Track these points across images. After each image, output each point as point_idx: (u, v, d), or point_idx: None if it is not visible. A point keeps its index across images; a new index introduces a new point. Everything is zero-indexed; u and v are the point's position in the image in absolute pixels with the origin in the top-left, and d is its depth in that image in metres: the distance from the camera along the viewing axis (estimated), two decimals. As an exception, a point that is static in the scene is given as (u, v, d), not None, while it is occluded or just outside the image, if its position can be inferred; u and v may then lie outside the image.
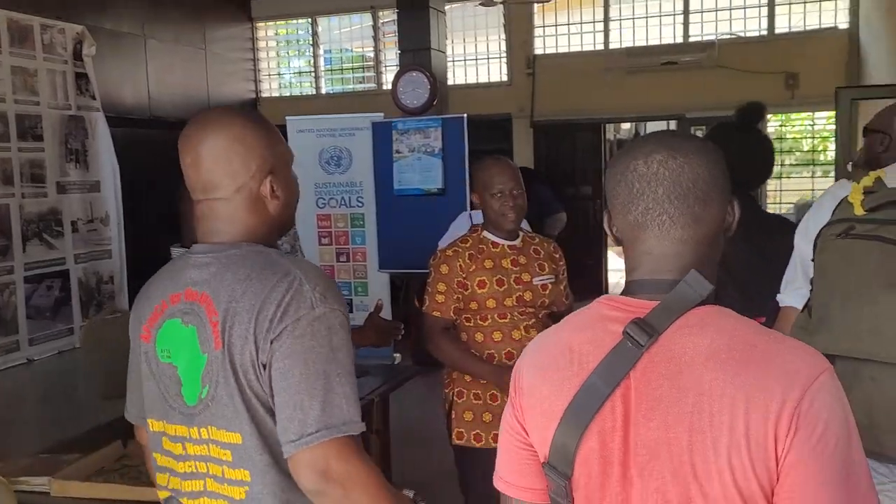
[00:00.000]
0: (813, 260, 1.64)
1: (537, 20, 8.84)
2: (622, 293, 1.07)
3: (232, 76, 9.02)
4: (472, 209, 4.61)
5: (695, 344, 0.97)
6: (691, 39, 8.31)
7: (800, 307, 1.75)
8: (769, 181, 5.34)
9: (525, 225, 2.78)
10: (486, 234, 2.56)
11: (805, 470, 0.91)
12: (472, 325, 2.52)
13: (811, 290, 1.65)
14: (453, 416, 2.57)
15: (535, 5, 8.69)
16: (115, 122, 5.64)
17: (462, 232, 3.65)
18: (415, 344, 4.84)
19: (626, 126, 16.28)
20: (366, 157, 5.67)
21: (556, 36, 8.84)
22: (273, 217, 1.37)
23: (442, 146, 5.41)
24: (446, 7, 6.59)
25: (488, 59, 9.06)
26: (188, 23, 8.11)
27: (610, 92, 8.29)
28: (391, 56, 9.14)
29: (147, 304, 1.37)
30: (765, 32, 8.14)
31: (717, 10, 8.28)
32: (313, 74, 9.67)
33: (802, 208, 7.70)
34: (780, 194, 8.50)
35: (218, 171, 1.31)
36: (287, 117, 5.87)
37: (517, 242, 2.57)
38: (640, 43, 8.48)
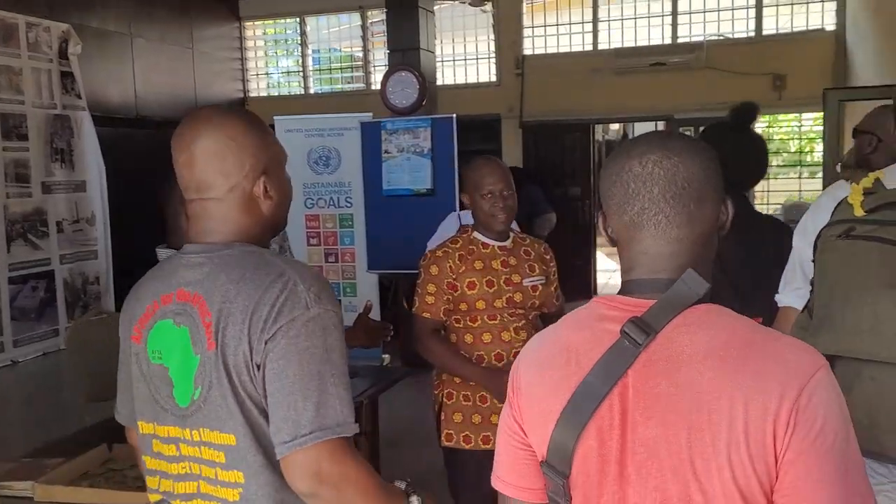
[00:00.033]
0: (813, 260, 1.64)
1: (526, 20, 8.84)
2: (619, 293, 1.07)
3: (219, 76, 8.96)
4: (461, 210, 4.60)
5: (692, 342, 0.97)
6: (680, 40, 8.33)
7: (799, 307, 1.76)
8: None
9: (514, 225, 2.77)
10: (476, 234, 2.55)
11: (804, 466, 0.91)
12: (461, 326, 2.51)
13: (811, 291, 1.65)
14: (443, 417, 2.56)
15: (525, 5, 8.69)
16: (102, 122, 5.59)
17: (451, 233, 3.64)
18: (404, 345, 4.83)
19: (615, 127, 16.35)
20: (354, 157, 5.65)
21: (545, 36, 8.84)
22: (266, 217, 1.36)
23: (431, 146, 5.40)
24: (435, 7, 6.58)
25: (477, 59, 9.05)
26: (175, 22, 8.05)
27: (599, 92, 8.31)
28: (380, 56, 9.12)
29: (138, 305, 1.36)
30: (752, 34, 8.17)
31: (705, 12, 8.32)
32: (301, 74, 9.63)
33: (790, 209, 7.74)
34: (767, 195, 8.54)
35: (211, 170, 1.30)
36: (275, 117, 5.84)
37: (507, 243, 2.56)
38: (629, 44, 8.50)
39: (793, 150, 9.32)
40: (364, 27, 9.20)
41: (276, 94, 9.72)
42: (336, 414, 1.21)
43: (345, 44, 9.83)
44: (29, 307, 4.73)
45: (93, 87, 6.06)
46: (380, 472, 3.10)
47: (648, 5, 8.49)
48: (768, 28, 8.14)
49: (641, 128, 18.00)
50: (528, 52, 8.81)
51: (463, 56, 9.09)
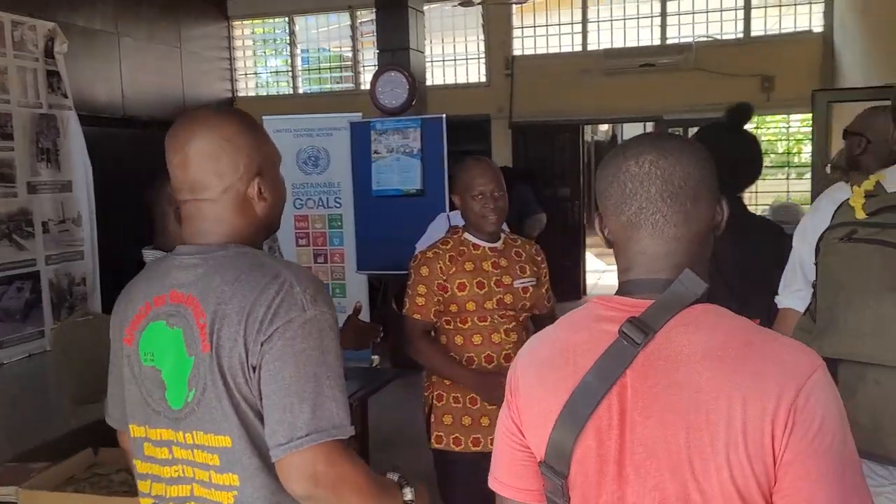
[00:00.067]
0: (816, 263, 1.64)
1: (516, 21, 8.84)
2: (616, 293, 1.08)
3: (207, 75, 8.91)
4: (451, 210, 4.59)
5: (691, 342, 0.98)
6: (669, 42, 8.36)
7: (799, 309, 1.76)
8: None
9: (503, 226, 2.76)
10: (467, 235, 2.53)
11: (802, 467, 0.91)
12: (451, 327, 2.50)
13: (813, 294, 1.65)
14: (432, 419, 2.54)
15: (514, 6, 8.69)
16: (88, 121, 5.54)
17: (440, 233, 3.63)
18: (393, 346, 4.81)
19: (604, 127, 16.39)
20: (344, 157, 5.62)
21: (534, 37, 8.85)
22: (260, 218, 1.35)
23: (421, 147, 5.39)
24: (424, 7, 6.56)
25: (467, 59, 9.05)
26: (163, 21, 8.00)
27: (588, 93, 8.32)
28: (369, 56, 9.10)
29: (129, 307, 1.34)
30: (741, 35, 8.21)
31: (693, 13, 8.34)
32: (290, 74, 9.60)
33: (778, 210, 7.77)
34: (755, 196, 8.57)
35: (206, 171, 1.29)
36: (264, 117, 5.80)
37: (498, 245, 2.54)
38: (618, 45, 8.52)
39: (781, 151, 9.36)
40: (353, 27, 9.18)
41: (265, 93, 9.68)
42: (332, 416, 1.20)
43: (334, 43, 9.81)
44: (14, 308, 4.68)
45: (79, 87, 6.01)
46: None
47: (637, 6, 8.51)
48: (757, 29, 8.18)
49: (630, 128, 18.07)
50: (517, 52, 8.82)
51: (452, 56, 9.08)
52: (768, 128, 9.27)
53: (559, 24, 8.75)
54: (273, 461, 1.21)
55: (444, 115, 5.45)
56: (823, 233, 1.62)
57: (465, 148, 6.90)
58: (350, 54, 9.39)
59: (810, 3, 8.00)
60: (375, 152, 5.51)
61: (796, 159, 9.68)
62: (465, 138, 7.29)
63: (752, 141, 2.25)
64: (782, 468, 0.92)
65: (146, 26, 7.73)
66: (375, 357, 5.25)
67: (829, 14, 7.83)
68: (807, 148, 9.47)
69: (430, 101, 6.54)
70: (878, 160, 2.51)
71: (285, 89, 9.64)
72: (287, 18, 9.43)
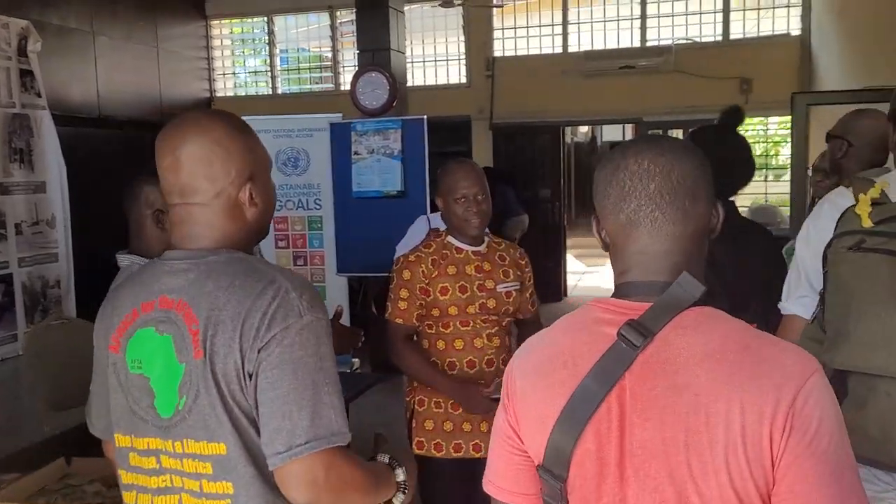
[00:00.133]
0: (826, 271, 1.63)
1: (496, 22, 8.84)
2: (613, 295, 1.08)
3: (185, 75, 8.82)
4: (432, 212, 4.56)
5: (689, 344, 0.98)
6: (648, 44, 8.39)
7: (805, 316, 1.75)
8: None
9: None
10: (450, 239, 2.50)
11: (801, 469, 0.92)
12: (433, 332, 2.47)
13: (821, 302, 1.65)
14: (414, 424, 2.52)
15: (494, 7, 8.69)
16: (62, 121, 5.45)
17: (420, 235, 3.61)
18: (373, 349, 4.78)
19: (584, 129, 16.44)
20: (324, 158, 5.57)
21: (514, 38, 8.85)
22: (250, 223, 1.33)
23: (402, 148, 5.35)
24: (405, 8, 6.53)
25: (447, 60, 9.03)
26: (139, 19, 7.89)
27: (568, 95, 8.33)
28: (349, 56, 9.05)
29: (116, 313, 1.31)
30: (720, 38, 8.27)
31: (673, 16, 8.39)
32: (269, 74, 9.52)
33: (757, 211, 7.84)
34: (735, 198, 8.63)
35: (197, 175, 1.27)
36: (242, 118, 5.73)
37: (482, 248, 2.51)
38: (598, 46, 8.54)
39: (759, 153, 9.44)
40: (333, 27, 9.12)
41: (244, 94, 9.61)
42: (330, 423, 1.19)
43: (313, 44, 9.75)
44: (-14, 312, 4.59)
45: (53, 86, 5.92)
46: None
47: (617, 8, 8.54)
48: (735, 32, 8.24)
49: (610, 130, 18.12)
50: (498, 53, 8.81)
51: (433, 57, 9.06)
52: (746, 130, 9.34)
53: (539, 26, 8.76)
54: (271, 469, 1.20)
55: (425, 117, 5.41)
56: (831, 241, 1.62)
57: (445, 149, 6.87)
58: (330, 54, 9.33)
59: (788, 6, 8.08)
60: (356, 153, 5.46)
61: (774, 161, 9.77)
62: (445, 139, 7.27)
63: (744, 143, 2.25)
64: (780, 471, 0.92)
65: (122, 25, 7.63)
66: (356, 360, 5.21)
67: (806, 17, 7.90)
68: (784, 150, 9.57)
69: (410, 102, 6.51)
70: (860, 163, 2.52)
71: (264, 89, 9.56)
72: (266, 18, 9.36)
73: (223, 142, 1.29)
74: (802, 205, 4.94)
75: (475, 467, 2.45)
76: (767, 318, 1.82)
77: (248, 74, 9.78)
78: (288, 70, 9.69)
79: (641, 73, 8.05)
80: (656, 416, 0.97)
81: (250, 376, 1.19)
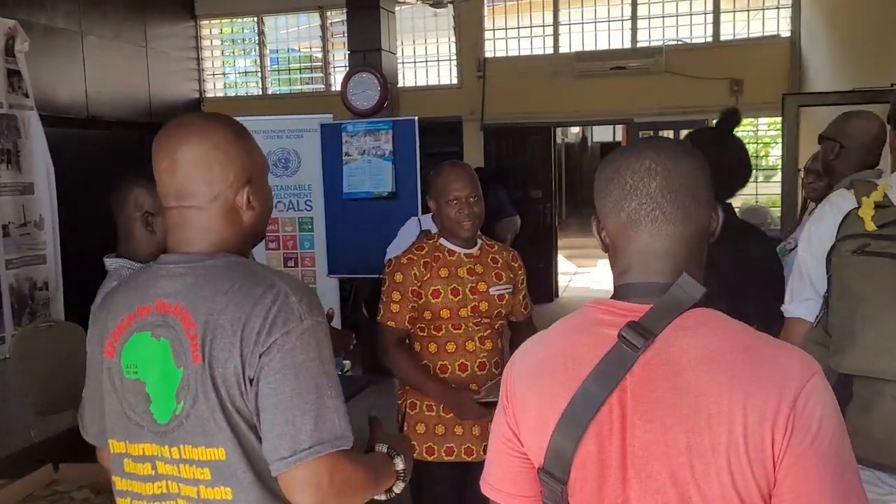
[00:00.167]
0: (830, 275, 1.63)
1: (487, 23, 8.83)
2: (613, 297, 1.08)
3: (175, 75, 8.77)
4: (423, 213, 4.54)
5: (690, 346, 0.98)
6: (639, 45, 8.41)
7: (809, 319, 1.75)
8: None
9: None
10: (442, 241, 2.48)
11: (802, 470, 0.92)
12: (425, 335, 2.45)
13: (825, 305, 1.65)
14: (405, 427, 2.50)
15: (486, 8, 8.68)
16: (50, 122, 5.41)
17: (411, 237, 3.59)
18: (365, 352, 4.75)
19: (574, 130, 16.48)
20: (314, 159, 5.54)
21: (506, 39, 8.85)
22: (247, 227, 1.32)
23: (393, 149, 5.33)
24: (396, 8, 6.51)
25: (438, 61, 9.02)
26: (128, 19, 7.84)
27: (559, 95, 8.34)
28: (339, 57, 9.03)
29: (110, 318, 1.30)
30: (710, 39, 8.29)
31: (664, 17, 8.41)
32: (259, 74, 9.48)
33: (747, 212, 7.85)
34: (724, 198, 8.67)
35: (196, 178, 1.26)
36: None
37: (475, 251, 2.49)
38: (590, 47, 8.55)
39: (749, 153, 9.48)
40: (323, 27, 9.10)
41: (234, 94, 9.56)
42: (334, 427, 1.19)
43: (304, 44, 9.72)
44: (-28, 315, 4.54)
45: (41, 86, 5.87)
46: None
47: (608, 10, 8.56)
48: (725, 34, 8.26)
49: (601, 131, 18.15)
50: (489, 54, 8.81)
51: (424, 58, 9.04)
52: (737, 131, 9.37)
53: (531, 27, 8.76)
54: (275, 475, 1.19)
55: (416, 118, 5.40)
56: (834, 244, 1.62)
57: (436, 150, 6.86)
58: (320, 55, 9.30)
59: (778, 8, 8.11)
60: (346, 154, 5.44)
61: (764, 162, 9.81)
62: (436, 140, 7.26)
63: (742, 146, 2.25)
64: (782, 471, 0.93)
65: (111, 25, 7.58)
66: (347, 362, 5.19)
67: (796, 19, 7.94)
68: (774, 151, 9.61)
69: (401, 102, 6.49)
70: (852, 165, 2.53)
71: (254, 90, 9.53)
72: (256, 18, 9.32)
73: (221, 145, 1.28)
74: (793, 205, 4.96)
75: (467, 471, 2.44)
76: (767, 319, 1.81)
77: (237, 75, 9.74)
78: (278, 70, 9.65)
79: (632, 73, 8.07)
80: (658, 417, 0.97)
81: (251, 381, 1.18)
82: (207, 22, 9.32)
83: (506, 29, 8.84)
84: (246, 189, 1.30)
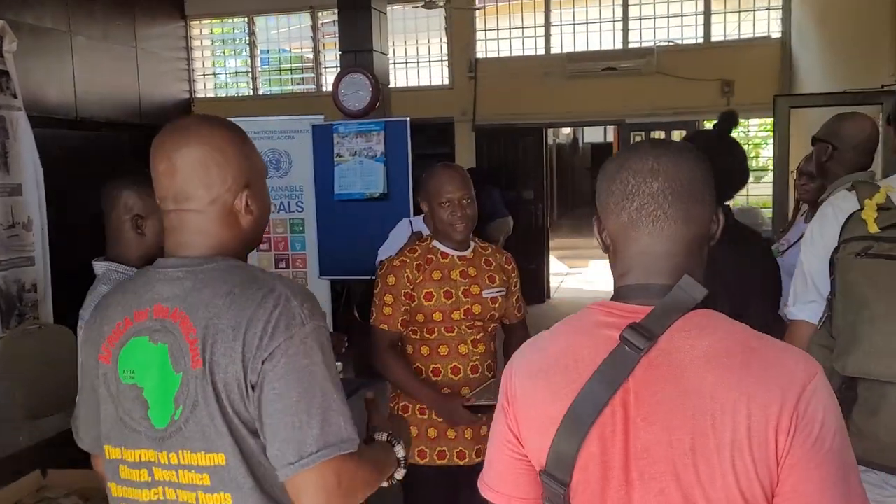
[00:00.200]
0: (834, 277, 1.63)
1: (479, 24, 8.83)
2: (613, 298, 1.08)
3: (165, 76, 8.72)
4: (415, 214, 4.52)
5: (693, 347, 0.98)
6: (631, 46, 8.42)
7: (813, 321, 1.75)
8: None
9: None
10: (435, 243, 2.47)
11: (805, 470, 0.93)
12: (418, 337, 2.43)
13: (829, 307, 1.65)
14: (399, 430, 2.47)
15: (477, 9, 8.68)
16: (39, 123, 5.36)
17: (402, 239, 3.57)
18: (357, 354, 4.73)
19: (566, 130, 16.49)
20: (305, 160, 5.52)
21: (497, 40, 8.84)
22: (245, 231, 1.32)
23: (384, 150, 5.31)
24: (387, 9, 6.49)
25: (430, 62, 9.00)
26: (118, 19, 7.79)
27: (551, 96, 8.34)
28: (331, 57, 9.00)
29: (106, 323, 1.28)
30: (701, 40, 8.31)
31: (655, 18, 8.42)
32: (250, 75, 9.44)
33: (739, 213, 7.86)
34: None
35: (194, 181, 1.25)
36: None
37: (468, 253, 2.48)
38: (581, 48, 8.55)
39: (740, 154, 9.49)
40: (314, 28, 9.07)
41: (224, 94, 9.51)
42: (340, 430, 1.19)
43: (294, 44, 9.69)
44: (-40, 317, 4.49)
45: (29, 87, 5.83)
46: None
47: (600, 11, 8.56)
48: (717, 35, 8.28)
49: (592, 131, 18.15)
50: (480, 55, 8.80)
51: (415, 59, 9.03)
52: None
53: (522, 28, 8.76)
54: (282, 480, 1.18)
55: (408, 118, 5.38)
56: (838, 246, 1.62)
57: (428, 151, 6.85)
58: (311, 55, 9.27)
59: (768, 9, 8.13)
60: (338, 155, 5.42)
61: (754, 163, 9.82)
62: (428, 141, 7.26)
63: (741, 148, 2.26)
64: (785, 471, 0.93)
65: (100, 25, 7.52)
66: (339, 364, 5.16)
67: (786, 20, 7.96)
68: (764, 152, 9.63)
69: (393, 103, 6.47)
70: (845, 167, 2.53)
71: (245, 90, 9.48)
72: (246, 18, 9.28)
73: (221, 148, 1.27)
74: (784, 206, 4.97)
75: (459, 475, 2.43)
76: (766, 323, 1.80)
77: (228, 75, 9.69)
78: (269, 71, 9.62)
79: (624, 74, 8.08)
80: (661, 419, 0.97)
81: (252, 387, 1.17)
82: (198, 22, 9.28)
83: (497, 30, 8.84)
84: (245, 193, 1.29)
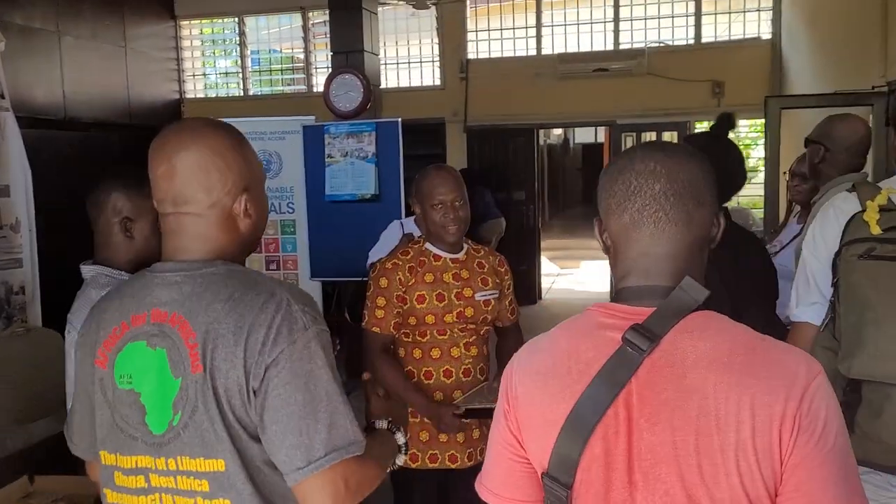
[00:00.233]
0: (837, 279, 1.63)
1: (470, 24, 8.82)
2: (613, 300, 1.08)
3: (154, 76, 8.67)
4: (407, 216, 4.50)
5: (696, 348, 0.99)
6: (622, 47, 8.42)
7: (816, 323, 1.74)
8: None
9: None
10: (428, 246, 2.45)
11: (808, 469, 0.94)
12: (410, 340, 2.42)
13: (832, 309, 1.65)
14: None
15: (468, 9, 8.67)
16: (27, 123, 5.32)
17: (394, 241, 3.55)
18: (349, 356, 4.71)
19: (557, 131, 16.51)
20: (296, 161, 5.50)
21: (488, 41, 8.84)
22: (244, 235, 1.31)
23: (376, 151, 5.29)
24: (378, 9, 6.48)
25: (421, 62, 8.99)
26: (106, 19, 7.74)
27: (542, 97, 8.34)
28: (321, 58, 8.98)
29: (102, 327, 1.27)
30: (692, 41, 8.32)
31: (646, 19, 8.43)
32: (241, 75, 9.40)
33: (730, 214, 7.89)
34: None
35: (194, 184, 1.25)
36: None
37: (461, 255, 2.46)
38: (572, 49, 8.56)
39: (730, 155, 9.51)
40: (305, 28, 9.03)
41: (214, 95, 9.46)
42: (347, 433, 1.19)
43: (285, 45, 9.65)
44: (-53, 320, 4.45)
45: (17, 87, 5.78)
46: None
47: (591, 12, 8.57)
48: (707, 36, 8.30)
49: (583, 132, 18.18)
50: (472, 55, 8.79)
51: (407, 59, 9.01)
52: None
53: (513, 28, 8.76)
54: (291, 485, 1.19)
55: (399, 119, 5.37)
56: (840, 248, 1.62)
57: (419, 152, 6.83)
58: (302, 56, 9.24)
59: (759, 10, 8.16)
60: (329, 156, 5.40)
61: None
62: (419, 142, 7.23)
63: (738, 149, 2.26)
64: (788, 470, 0.94)
65: (89, 24, 7.47)
66: (330, 366, 5.14)
67: (776, 22, 7.99)
68: (754, 153, 9.66)
69: (384, 104, 6.46)
70: (837, 168, 2.53)
71: (235, 91, 9.44)
72: (237, 19, 9.24)
73: (221, 152, 1.26)
74: (775, 207, 4.98)
75: (450, 478, 2.42)
76: (765, 322, 1.80)
77: (218, 76, 9.65)
78: (259, 71, 9.58)
79: (615, 75, 8.08)
80: (665, 419, 0.98)
81: (255, 392, 1.17)
82: (187, 22, 9.23)
83: (488, 30, 8.83)
84: (244, 197, 1.28)
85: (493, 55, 8.80)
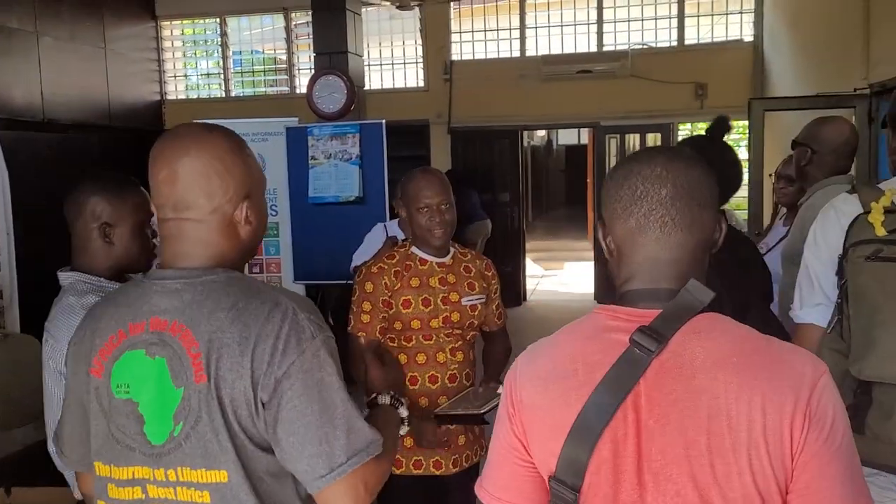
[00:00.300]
0: (844, 281, 1.62)
1: (454, 26, 8.80)
2: (617, 303, 1.08)
3: (134, 77, 8.57)
4: (391, 219, 4.47)
5: (704, 349, 1.00)
6: (605, 49, 8.44)
7: (821, 324, 1.73)
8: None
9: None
10: (414, 250, 2.41)
11: (817, 467, 0.95)
12: (395, 345, 2.38)
13: (839, 311, 1.64)
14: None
15: (452, 11, 8.65)
16: (4, 125, 5.26)
17: (377, 244, 3.52)
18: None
19: (540, 133, 16.53)
20: (279, 163, 5.46)
21: (472, 42, 8.83)
22: (244, 242, 1.30)
23: (360, 153, 5.26)
24: (362, 10, 6.44)
25: (405, 63, 8.96)
26: (86, 19, 7.64)
27: (526, 98, 8.34)
28: (304, 59, 8.92)
29: (97, 335, 1.25)
30: (675, 43, 8.36)
31: (629, 21, 8.45)
32: (222, 76, 9.32)
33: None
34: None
35: (195, 189, 1.24)
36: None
37: (447, 259, 2.43)
38: (556, 51, 8.57)
39: (713, 157, 9.55)
40: (288, 29, 8.98)
41: (196, 96, 9.38)
42: (365, 434, 1.20)
43: (268, 46, 9.58)
44: (-78, 326, 4.37)
45: (-6, 88, 5.70)
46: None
47: (574, 13, 8.59)
48: (690, 38, 8.34)
49: (566, 134, 18.21)
50: (455, 57, 8.77)
51: (390, 60, 8.98)
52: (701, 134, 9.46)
53: (497, 30, 8.75)
54: (312, 493, 1.19)
55: (383, 121, 5.34)
56: (846, 250, 1.62)
57: (403, 154, 6.80)
58: (284, 57, 9.18)
59: (741, 13, 8.20)
60: (312, 158, 5.36)
61: (727, 165, 9.90)
62: (403, 144, 7.20)
63: (733, 152, 2.25)
64: (798, 468, 0.96)
65: (68, 25, 7.37)
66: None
67: (758, 24, 8.04)
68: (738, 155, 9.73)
69: (368, 105, 6.42)
70: (824, 170, 2.53)
71: (217, 92, 9.36)
72: (218, 19, 9.17)
73: (223, 158, 1.25)
74: (759, 209, 5.00)
75: (436, 484, 2.39)
76: (765, 323, 1.79)
77: (200, 77, 9.57)
78: (241, 73, 9.50)
79: (598, 77, 8.10)
80: (675, 420, 0.98)
81: (264, 404, 1.16)
82: (168, 23, 9.14)
83: (472, 32, 8.81)
84: (245, 203, 1.27)
85: (477, 56, 8.79)
